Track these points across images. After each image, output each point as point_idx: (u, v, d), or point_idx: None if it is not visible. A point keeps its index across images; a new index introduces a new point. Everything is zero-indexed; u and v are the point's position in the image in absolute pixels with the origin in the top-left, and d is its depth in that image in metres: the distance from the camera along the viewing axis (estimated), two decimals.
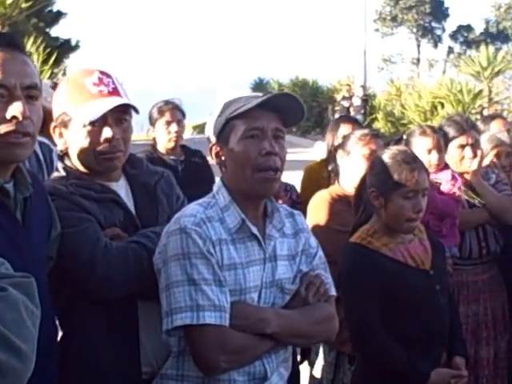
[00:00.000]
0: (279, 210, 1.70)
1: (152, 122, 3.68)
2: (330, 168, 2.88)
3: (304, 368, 3.23)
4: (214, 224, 1.58)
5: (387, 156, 2.15)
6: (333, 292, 1.73)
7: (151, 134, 3.70)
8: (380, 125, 15.64)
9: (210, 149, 1.68)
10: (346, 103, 17.86)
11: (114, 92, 1.76)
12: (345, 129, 3.24)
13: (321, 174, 3.17)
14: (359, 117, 16.33)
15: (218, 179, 1.72)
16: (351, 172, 2.62)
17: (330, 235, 2.54)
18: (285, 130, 1.65)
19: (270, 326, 1.57)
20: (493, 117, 4.43)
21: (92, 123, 1.71)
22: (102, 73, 1.78)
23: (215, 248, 1.56)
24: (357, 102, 17.15)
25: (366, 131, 2.76)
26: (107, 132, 1.72)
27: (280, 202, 2.77)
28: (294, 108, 1.63)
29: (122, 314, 1.68)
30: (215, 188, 1.67)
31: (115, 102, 1.72)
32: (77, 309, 1.69)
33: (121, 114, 1.75)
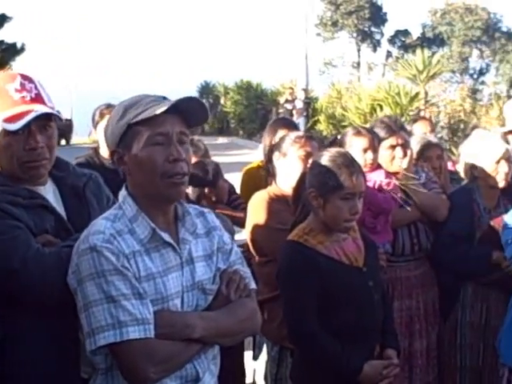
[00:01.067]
0: (190, 212, 1.69)
1: (94, 124, 3.67)
2: (267, 169, 2.94)
3: (248, 363, 3.29)
4: (124, 237, 1.56)
5: (327, 158, 2.20)
6: (253, 286, 1.76)
7: (93, 137, 3.69)
8: (322, 127, 15.89)
9: (112, 155, 1.64)
10: (289, 106, 18.03)
11: (37, 98, 1.73)
12: (282, 134, 3.33)
13: (258, 176, 3.23)
14: (302, 119, 16.56)
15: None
16: (288, 173, 2.67)
17: (270, 234, 2.61)
18: (188, 132, 1.64)
19: (196, 331, 1.57)
20: (415, 119, 4.61)
21: (15, 131, 1.68)
22: (24, 78, 1.75)
23: (130, 261, 1.54)
24: (299, 104, 17.35)
25: (300, 133, 2.84)
26: (31, 141, 1.70)
27: None
28: (198, 109, 1.63)
29: (60, 316, 1.67)
30: (120, 198, 1.64)
31: (38, 110, 1.70)
32: (13, 314, 1.67)
33: (45, 121, 1.73)
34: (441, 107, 13.62)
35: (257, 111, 21.67)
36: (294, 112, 17.35)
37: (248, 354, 3.28)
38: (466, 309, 3.06)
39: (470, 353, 3.05)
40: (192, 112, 1.62)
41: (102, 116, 3.62)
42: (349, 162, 2.19)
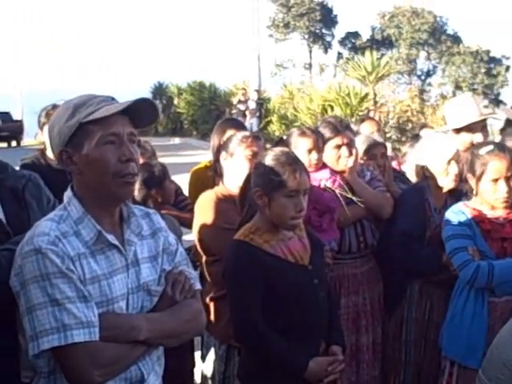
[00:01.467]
0: (135, 214, 1.70)
1: (40, 125, 3.60)
2: (215, 169, 2.95)
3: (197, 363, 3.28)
4: (69, 239, 1.55)
5: (271, 157, 2.23)
6: (198, 286, 1.77)
7: (40, 139, 3.62)
8: (275, 127, 16.04)
9: (59, 155, 1.61)
10: (242, 107, 18.12)
11: None
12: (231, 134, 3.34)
13: (206, 176, 3.24)
14: (255, 120, 16.66)
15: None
16: (235, 173, 2.69)
17: (217, 234, 2.61)
18: (136, 132, 1.64)
19: (141, 333, 1.58)
20: (362, 119, 4.70)
21: None
22: None
23: (75, 264, 1.53)
24: (252, 105, 17.47)
25: (247, 133, 2.85)
26: None
27: None
28: (147, 111, 1.64)
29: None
30: (66, 199, 1.63)
31: None
32: None
33: None
34: (390, 108, 13.94)
35: (210, 112, 21.65)
36: (247, 113, 17.44)
37: (197, 354, 3.28)
38: (412, 306, 3.12)
39: (414, 348, 3.12)
40: (142, 113, 1.63)
41: (48, 117, 3.55)
42: (292, 160, 2.22)
